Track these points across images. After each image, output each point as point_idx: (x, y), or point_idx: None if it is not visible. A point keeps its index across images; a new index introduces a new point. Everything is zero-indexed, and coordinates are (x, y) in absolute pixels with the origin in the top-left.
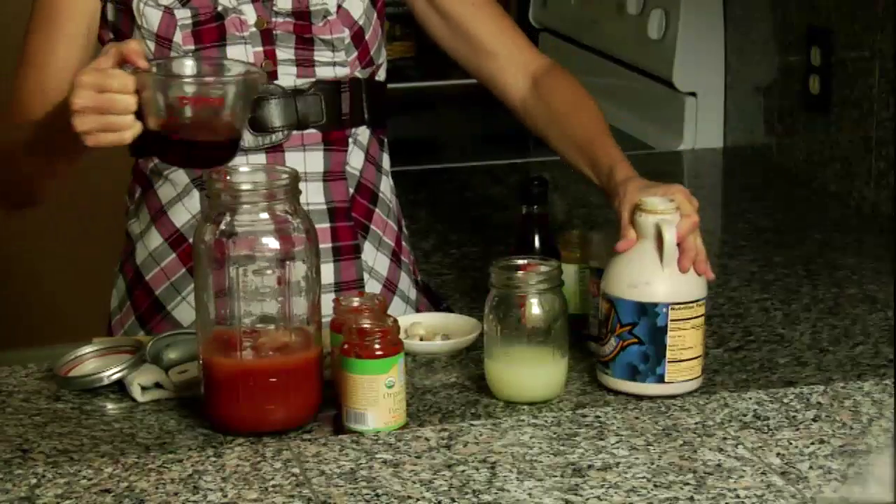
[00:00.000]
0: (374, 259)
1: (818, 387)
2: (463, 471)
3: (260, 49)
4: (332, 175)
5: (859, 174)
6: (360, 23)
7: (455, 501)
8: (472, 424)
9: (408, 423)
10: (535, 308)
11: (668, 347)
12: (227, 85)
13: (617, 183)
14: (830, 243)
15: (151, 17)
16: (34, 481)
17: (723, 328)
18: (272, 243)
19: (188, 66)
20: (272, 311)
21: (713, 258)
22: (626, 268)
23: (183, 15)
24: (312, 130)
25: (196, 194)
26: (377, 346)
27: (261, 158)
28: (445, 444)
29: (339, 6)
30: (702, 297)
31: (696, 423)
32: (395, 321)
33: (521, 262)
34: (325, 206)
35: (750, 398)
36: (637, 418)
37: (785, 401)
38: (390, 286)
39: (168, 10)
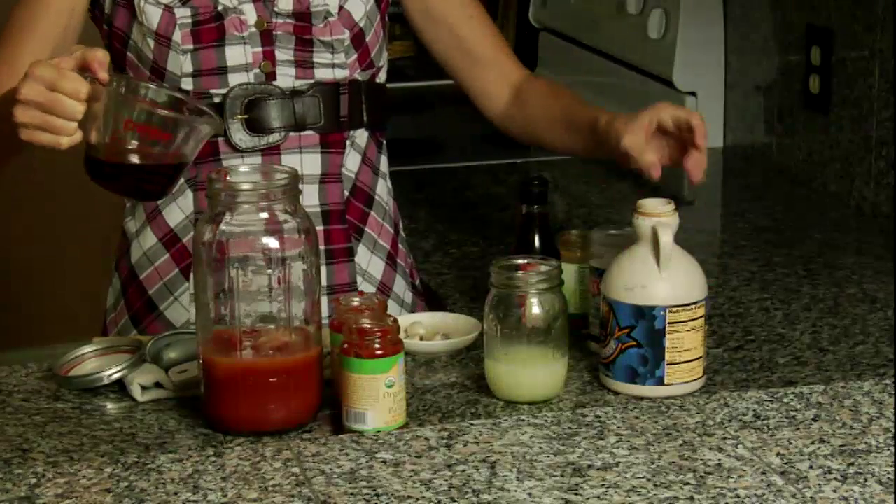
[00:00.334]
0: (368, 262)
1: (818, 386)
2: (463, 470)
3: (259, 49)
4: (328, 177)
5: (859, 174)
6: (362, 24)
7: (455, 501)
8: (472, 424)
9: (408, 422)
10: (535, 308)
11: (666, 350)
12: (180, 124)
13: (603, 127)
14: (830, 243)
15: (151, 15)
16: (34, 481)
17: (723, 328)
18: (272, 243)
19: (150, 92)
20: (272, 311)
21: (713, 258)
22: (623, 271)
23: (183, 14)
24: (310, 132)
25: (190, 194)
26: (377, 346)
27: (257, 160)
28: (445, 444)
29: (341, 7)
30: (700, 299)
31: (696, 423)
32: (395, 321)
33: (521, 261)
34: (319, 209)
35: (750, 398)
36: (637, 418)
37: (785, 400)
38: (384, 289)
39: (168, 9)
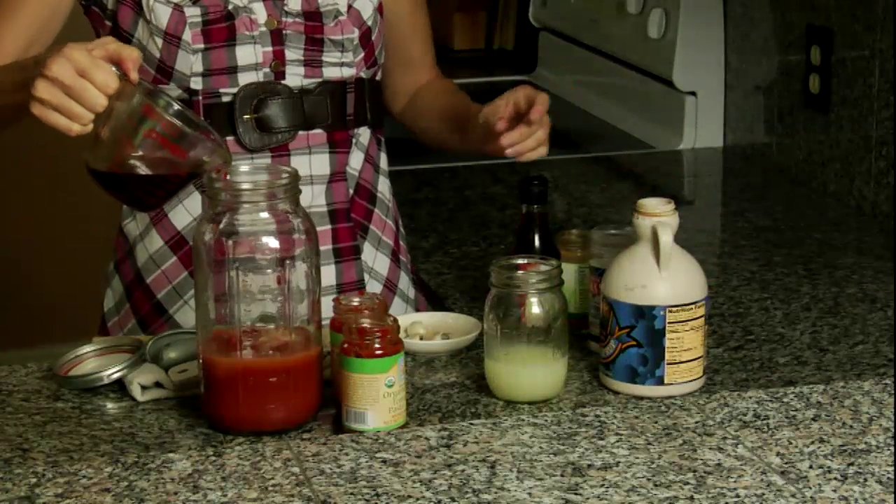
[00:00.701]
0: (374, 259)
1: (818, 386)
2: (463, 470)
3: (269, 49)
4: (335, 177)
5: (859, 174)
6: (369, 23)
7: (455, 501)
8: (471, 424)
9: (408, 422)
10: (535, 307)
11: (666, 350)
12: (199, 145)
13: (473, 113)
14: (830, 243)
15: (161, 14)
16: (34, 480)
17: (723, 328)
18: (272, 243)
19: (174, 107)
20: (272, 311)
21: (713, 258)
22: (623, 270)
23: (192, 13)
24: (318, 131)
25: (198, 196)
26: (377, 346)
27: (266, 161)
28: (445, 444)
29: (350, 6)
30: (700, 299)
31: (696, 423)
32: (395, 320)
33: (521, 261)
34: (325, 209)
35: (750, 397)
36: (637, 418)
37: (785, 400)
38: (390, 286)
39: (178, 8)
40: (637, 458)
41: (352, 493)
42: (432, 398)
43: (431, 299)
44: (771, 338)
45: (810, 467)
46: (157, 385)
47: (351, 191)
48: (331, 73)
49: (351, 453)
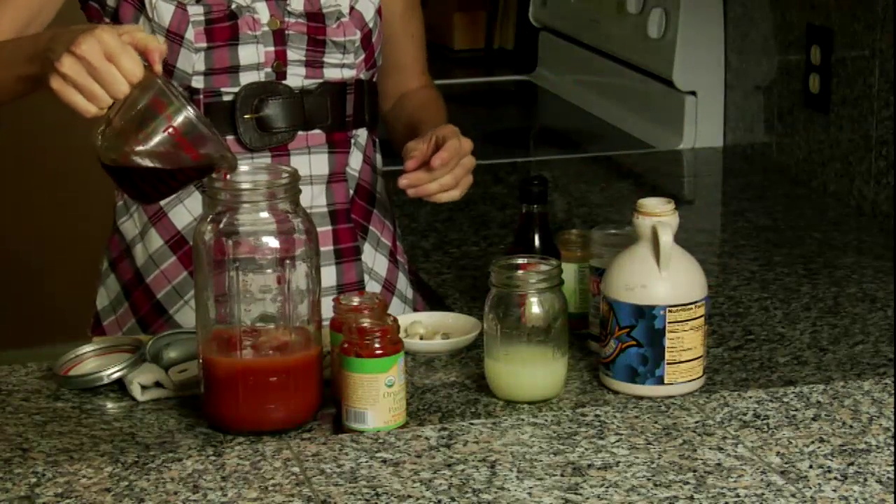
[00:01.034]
0: (374, 260)
1: (818, 386)
2: (463, 470)
3: (272, 49)
4: (335, 177)
5: (859, 173)
6: (371, 25)
7: (455, 500)
8: (471, 423)
9: (408, 422)
10: (534, 307)
11: (666, 349)
12: (212, 147)
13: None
14: (830, 242)
15: (163, 12)
16: (34, 480)
17: (723, 327)
18: (272, 242)
19: (191, 107)
20: (272, 311)
21: (713, 258)
22: (623, 270)
23: (196, 11)
24: (317, 131)
25: (198, 196)
26: (377, 346)
27: (266, 160)
28: (445, 444)
29: (352, 8)
30: (700, 299)
31: (696, 423)
32: (395, 320)
33: (521, 261)
34: (326, 209)
35: (750, 397)
36: (637, 417)
37: (785, 400)
38: (389, 287)
39: (181, 6)
40: (637, 457)
41: (352, 493)
42: (432, 398)
43: (431, 299)
44: (771, 338)
45: (810, 467)
46: (157, 385)
47: (351, 191)
48: (332, 74)
49: (351, 453)
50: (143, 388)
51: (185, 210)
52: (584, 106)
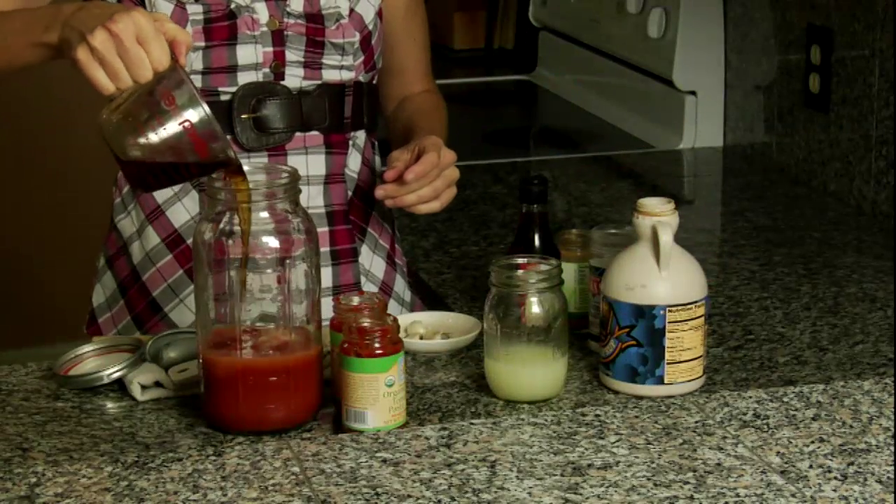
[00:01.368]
0: (371, 262)
1: (818, 386)
2: (463, 469)
3: (270, 49)
4: (333, 178)
5: (859, 173)
6: (370, 27)
7: (455, 500)
8: (471, 423)
9: (408, 421)
10: (534, 307)
11: (666, 349)
12: (220, 145)
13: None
14: (830, 242)
15: (162, 10)
16: (34, 480)
17: (723, 327)
18: (272, 242)
19: (204, 104)
20: (272, 311)
21: (713, 257)
22: (623, 270)
23: (195, 10)
24: (315, 133)
25: (195, 195)
26: (377, 345)
27: (263, 160)
28: (445, 443)
29: (352, 10)
30: (700, 299)
31: (696, 422)
32: (395, 320)
33: (521, 260)
34: (324, 210)
35: (750, 397)
36: (637, 417)
37: (785, 400)
38: (386, 289)
39: (180, 5)
40: (637, 457)
41: (352, 493)
42: (432, 398)
43: (430, 300)
44: (771, 337)
45: (810, 467)
46: (157, 385)
47: (350, 193)
48: (330, 75)
49: (351, 453)
50: (143, 387)
51: (183, 208)
52: (584, 106)
